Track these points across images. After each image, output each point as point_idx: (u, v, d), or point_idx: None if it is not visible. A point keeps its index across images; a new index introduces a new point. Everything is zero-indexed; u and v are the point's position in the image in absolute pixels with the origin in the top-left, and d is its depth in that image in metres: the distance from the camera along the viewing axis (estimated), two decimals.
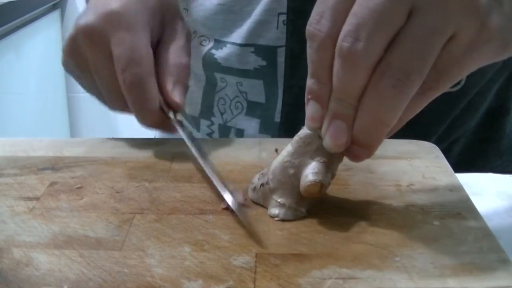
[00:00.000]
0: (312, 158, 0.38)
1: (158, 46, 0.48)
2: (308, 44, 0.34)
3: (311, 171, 0.38)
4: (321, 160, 0.38)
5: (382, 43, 0.32)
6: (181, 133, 0.46)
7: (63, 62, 0.48)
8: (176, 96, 0.46)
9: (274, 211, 0.39)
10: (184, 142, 0.51)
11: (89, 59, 0.45)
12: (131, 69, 0.43)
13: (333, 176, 0.39)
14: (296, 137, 0.39)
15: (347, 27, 0.32)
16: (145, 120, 0.46)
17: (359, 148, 0.35)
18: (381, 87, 0.32)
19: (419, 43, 0.31)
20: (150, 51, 0.45)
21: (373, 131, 0.34)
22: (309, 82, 0.35)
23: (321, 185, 0.37)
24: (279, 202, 0.39)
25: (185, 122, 0.48)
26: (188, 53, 0.48)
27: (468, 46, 0.33)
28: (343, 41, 0.32)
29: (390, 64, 0.32)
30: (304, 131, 0.38)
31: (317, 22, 0.33)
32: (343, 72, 0.33)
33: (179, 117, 0.47)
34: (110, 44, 0.44)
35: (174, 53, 0.47)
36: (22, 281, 0.32)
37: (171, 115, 0.47)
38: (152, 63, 0.45)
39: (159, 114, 0.46)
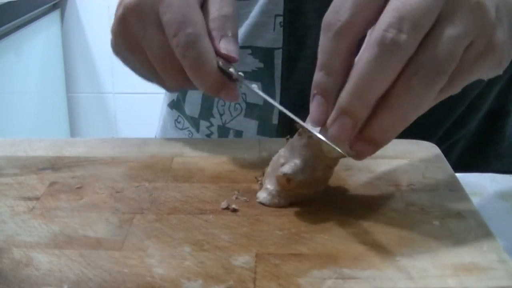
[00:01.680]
0: (299, 153, 0.39)
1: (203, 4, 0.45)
2: (322, 35, 0.34)
3: (287, 164, 0.39)
4: (304, 156, 0.39)
5: (419, 39, 0.33)
6: (248, 86, 0.43)
7: (113, 45, 0.47)
8: (227, 48, 0.43)
9: (259, 193, 0.41)
10: (184, 142, 0.51)
11: (140, 36, 0.43)
12: (183, 31, 0.41)
13: (322, 176, 0.40)
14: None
15: (388, 19, 0.32)
16: (205, 82, 0.42)
17: (364, 145, 0.35)
18: (413, 84, 0.33)
19: (450, 45, 0.33)
20: (199, 10, 0.43)
21: (393, 129, 0.35)
22: (317, 75, 0.35)
23: (288, 179, 0.39)
24: (266, 188, 0.41)
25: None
26: (231, 3, 0.45)
27: (478, 55, 0.34)
28: (385, 31, 0.32)
29: (423, 62, 0.33)
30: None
31: (335, 13, 0.34)
32: (375, 62, 0.33)
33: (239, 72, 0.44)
34: (159, 14, 0.42)
35: (215, 6, 0.44)
36: (22, 281, 0.32)
37: (232, 69, 0.43)
38: (203, 22, 0.42)
39: (218, 74, 0.42)
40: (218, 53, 0.43)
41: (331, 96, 0.35)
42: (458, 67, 0.34)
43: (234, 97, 0.44)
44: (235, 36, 0.44)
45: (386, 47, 0.32)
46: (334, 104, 0.35)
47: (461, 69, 0.34)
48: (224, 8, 0.44)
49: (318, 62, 0.35)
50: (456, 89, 0.36)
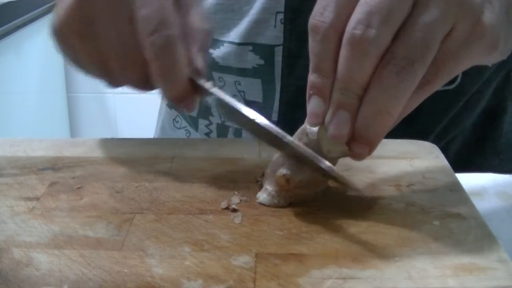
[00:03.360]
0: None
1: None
2: (310, 38, 0.35)
3: (285, 164, 0.39)
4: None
5: (391, 31, 0.33)
6: (218, 94, 0.41)
7: (57, 27, 0.42)
8: (199, 62, 0.42)
9: (258, 194, 0.41)
10: (184, 142, 0.51)
11: (103, 23, 0.40)
12: (161, 31, 0.39)
13: (321, 178, 0.40)
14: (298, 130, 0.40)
15: (357, 15, 0.33)
16: (173, 89, 0.41)
17: (360, 145, 0.35)
18: (385, 76, 0.33)
19: (423, 32, 0.32)
20: (175, 12, 0.40)
21: (376, 122, 0.34)
22: (312, 77, 0.35)
23: (287, 179, 0.39)
24: (266, 189, 0.41)
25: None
26: (207, 20, 0.44)
27: (463, 41, 0.34)
28: (354, 29, 0.32)
29: (395, 53, 0.33)
30: (303, 126, 0.39)
31: (320, 15, 0.34)
32: (351, 60, 0.33)
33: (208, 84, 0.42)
34: (132, 5, 0.39)
35: (197, 18, 0.42)
36: (22, 281, 0.32)
37: (202, 82, 0.42)
38: (178, 26, 0.40)
39: (187, 83, 0.41)
40: (191, 63, 0.41)
41: (327, 95, 0.35)
42: (441, 55, 0.34)
43: (191, 108, 0.43)
44: (207, 53, 0.44)
45: (356, 45, 0.33)
46: (329, 103, 0.35)
47: (445, 56, 0.34)
48: (206, 23, 0.43)
49: (311, 65, 0.35)
50: (445, 78, 0.35)
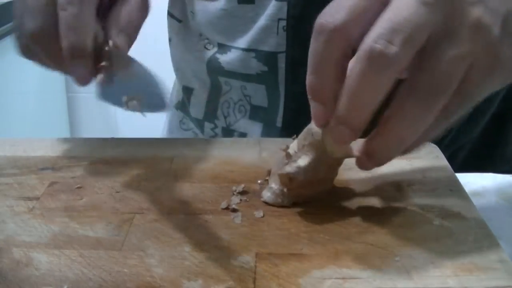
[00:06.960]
0: (303, 153, 0.39)
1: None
2: (313, 37, 0.33)
3: (289, 163, 0.39)
4: (308, 156, 0.39)
5: (412, 52, 0.31)
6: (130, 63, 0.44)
7: (24, 49, 0.47)
8: (119, 41, 0.42)
9: (263, 192, 0.41)
10: (184, 142, 0.51)
11: (44, 60, 0.44)
12: (79, 61, 0.41)
13: (324, 177, 0.40)
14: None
15: (379, 30, 0.31)
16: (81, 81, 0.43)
17: (367, 159, 0.35)
18: (408, 105, 0.32)
19: (447, 65, 0.32)
20: (96, 21, 0.42)
21: (391, 147, 0.34)
22: (310, 78, 0.34)
23: (290, 178, 0.39)
24: (271, 187, 0.41)
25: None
26: (144, 8, 0.44)
27: (483, 74, 0.33)
28: (375, 42, 0.31)
29: (418, 85, 0.32)
30: (309, 125, 0.39)
31: (329, 16, 0.32)
32: (365, 75, 0.31)
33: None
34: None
35: (125, 17, 0.43)
36: (22, 281, 0.32)
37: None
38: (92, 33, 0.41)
39: (92, 62, 0.42)
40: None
41: (326, 99, 0.34)
42: (465, 85, 0.33)
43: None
44: (133, 37, 0.43)
45: (374, 60, 0.31)
46: (332, 104, 0.34)
47: (469, 88, 0.33)
48: (134, 16, 0.43)
49: (309, 65, 0.34)
50: (467, 107, 0.34)
